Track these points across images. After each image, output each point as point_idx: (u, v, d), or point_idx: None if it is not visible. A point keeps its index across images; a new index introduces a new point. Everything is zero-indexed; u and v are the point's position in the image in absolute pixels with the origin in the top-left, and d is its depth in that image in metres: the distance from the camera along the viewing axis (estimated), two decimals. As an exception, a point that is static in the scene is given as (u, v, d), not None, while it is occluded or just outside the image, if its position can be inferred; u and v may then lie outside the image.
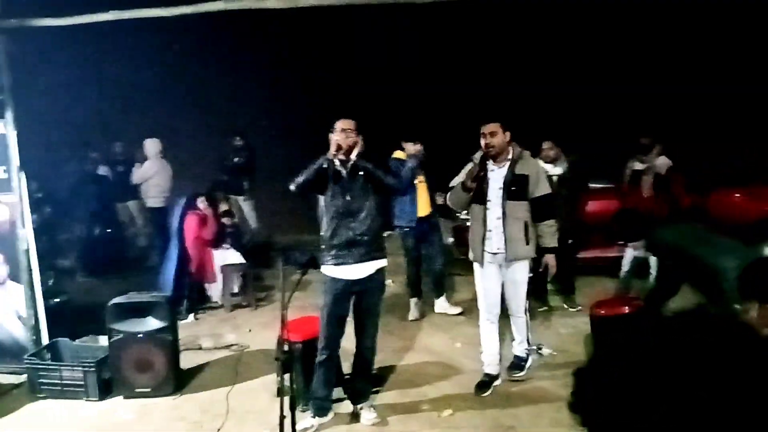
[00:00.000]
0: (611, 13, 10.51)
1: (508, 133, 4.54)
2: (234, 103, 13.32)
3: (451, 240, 7.74)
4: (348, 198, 4.14)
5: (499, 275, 4.69)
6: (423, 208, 6.42)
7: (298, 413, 3.67)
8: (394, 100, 12.42)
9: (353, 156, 4.13)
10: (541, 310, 6.44)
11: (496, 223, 4.57)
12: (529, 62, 11.74)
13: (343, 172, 4.17)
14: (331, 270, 4.19)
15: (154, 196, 8.70)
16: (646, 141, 5.96)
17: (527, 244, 4.56)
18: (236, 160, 9.86)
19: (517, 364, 4.96)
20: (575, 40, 11.40)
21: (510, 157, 4.56)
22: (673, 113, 9.10)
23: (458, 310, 6.61)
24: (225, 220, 7.69)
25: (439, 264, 6.64)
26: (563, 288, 6.61)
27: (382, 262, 4.29)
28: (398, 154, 6.53)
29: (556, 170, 6.20)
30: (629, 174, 6.14)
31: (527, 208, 4.56)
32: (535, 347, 5.24)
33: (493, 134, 4.48)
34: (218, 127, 11.77)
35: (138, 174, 8.76)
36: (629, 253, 6.15)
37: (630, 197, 6.16)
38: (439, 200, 6.36)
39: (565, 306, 6.54)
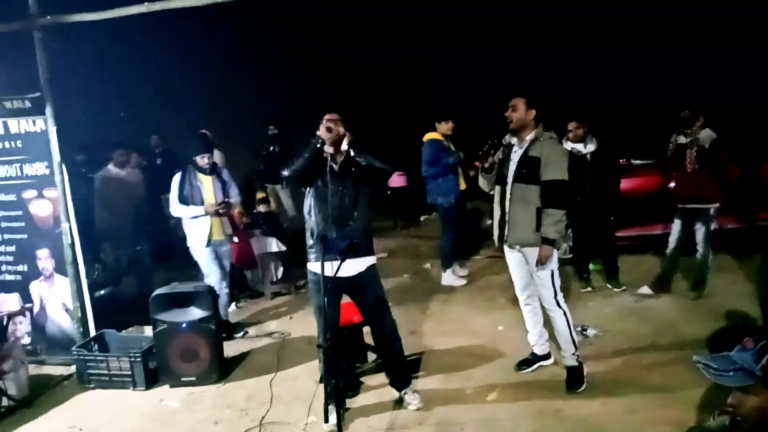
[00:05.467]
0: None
1: (532, 111, 4.31)
2: (269, 92, 13.35)
3: (489, 222, 7.66)
4: (339, 195, 4.01)
5: (522, 260, 4.46)
6: (462, 184, 6.92)
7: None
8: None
9: (343, 148, 4.02)
10: (584, 291, 6.34)
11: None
12: (568, 39, 11.52)
13: (335, 167, 4.03)
14: (317, 267, 3.87)
15: None
16: (686, 114, 5.73)
17: (537, 230, 4.24)
18: (272, 148, 9.90)
19: (573, 378, 4.42)
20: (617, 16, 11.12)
21: (530, 137, 4.33)
22: (716, 83, 8.79)
23: (463, 282, 7.06)
24: (261, 208, 7.74)
25: (447, 239, 6.98)
26: (607, 268, 6.47)
27: (372, 259, 4.21)
28: (432, 135, 6.66)
29: (588, 148, 6.09)
30: (672, 149, 5.91)
31: (539, 192, 4.27)
32: (579, 328, 5.11)
33: (515, 108, 4.32)
34: (254, 116, 11.81)
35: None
36: (675, 230, 5.98)
37: (673, 173, 5.95)
38: (472, 173, 6.67)
39: (609, 286, 6.40)
